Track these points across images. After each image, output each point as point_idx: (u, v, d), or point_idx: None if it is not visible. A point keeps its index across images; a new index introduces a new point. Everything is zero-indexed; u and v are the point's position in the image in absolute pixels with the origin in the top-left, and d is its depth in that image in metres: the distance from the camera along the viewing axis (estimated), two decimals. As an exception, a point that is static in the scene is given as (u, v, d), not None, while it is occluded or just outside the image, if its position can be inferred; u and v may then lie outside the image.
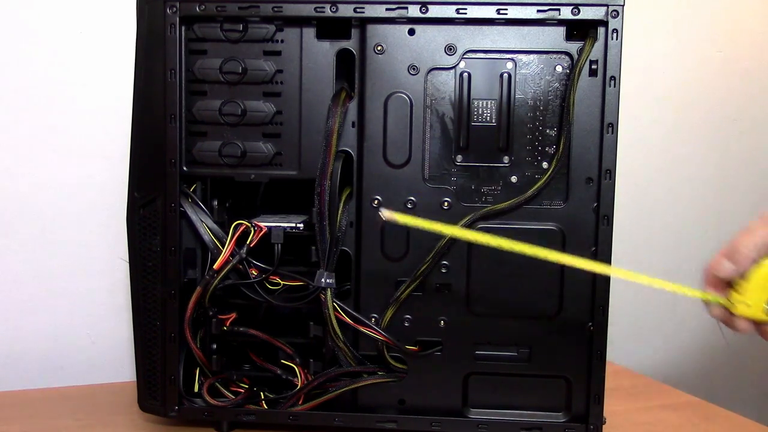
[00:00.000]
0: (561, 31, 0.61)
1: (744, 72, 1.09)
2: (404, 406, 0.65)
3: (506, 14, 0.60)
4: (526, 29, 0.61)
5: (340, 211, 0.63)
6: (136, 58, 0.64)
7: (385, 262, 0.64)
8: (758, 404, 1.13)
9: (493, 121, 0.62)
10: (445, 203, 0.63)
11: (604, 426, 0.64)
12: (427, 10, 0.61)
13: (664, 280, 0.53)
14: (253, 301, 0.65)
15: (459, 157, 0.63)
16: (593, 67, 0.61)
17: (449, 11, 0.60)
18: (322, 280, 0.62)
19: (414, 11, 0.61)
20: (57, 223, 0.86)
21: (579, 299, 0.63)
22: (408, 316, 0.64)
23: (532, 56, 0.62)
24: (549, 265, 0.62)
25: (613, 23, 0.60)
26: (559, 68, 0.62)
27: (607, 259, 0.62)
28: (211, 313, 0.66)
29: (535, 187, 0.62)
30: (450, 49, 0.62)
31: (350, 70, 0.63)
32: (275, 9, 0.61)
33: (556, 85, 0.62)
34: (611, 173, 0.61)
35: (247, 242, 0.63)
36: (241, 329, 0.66)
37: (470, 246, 0.63)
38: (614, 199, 0.61)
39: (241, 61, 0.63)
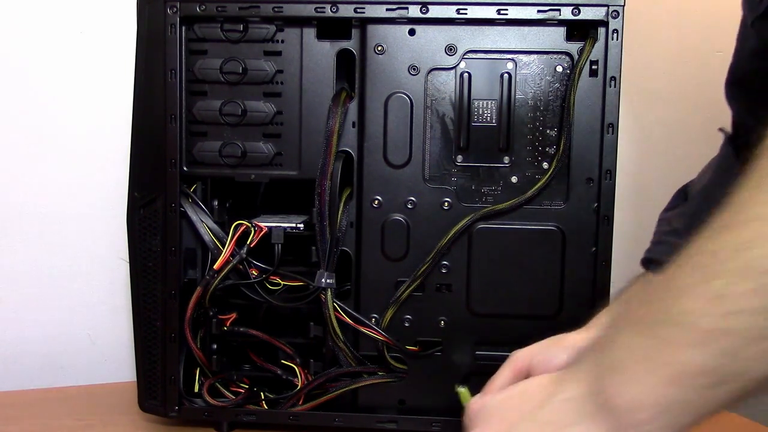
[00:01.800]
0: (561, 31, 0.61)
1: (744, 72, 1.09)
2: (404, 406, 0.65)
3: (506, 14, 0.60)
4: (526, 29, 0.61)
5: (340, 212, 0.63)
6: (137, 58, 0.64)
7: (385, 262, 0.64)
8: (756, 404, 1.13)
9: (494, 121, 0.62)
10: (446, 203, 0.63)
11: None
12: (427, 10, 0.61)
13: None
14: (253, 301, 0.65)
15: (459, 158, 0.63)
16: (593, 67, 0.61)
17: (450, 11, 0.60)
18: (323, 280, 0.62)
19: (414, 11, 0.61)
20: (57, 223, 0.86)
21: (579, 299, 0.63)
22: (408, 317, 0.64)
23: (532, 56, 0.62)
24: (549, 265, 0.63)
25: (613, 23, 0.60)
26: (559, 68, 0.62)
27: (607, 259, 0.62)
28: (211, 313, 0.66)
29: (536, 187, 0.62)
30: (450, 50, 0.62)
31: (350, 71, 0.63)
32: (275, 9, 0.61)
33: (557, 85, 0.62)
34: (611, 173, 0.61)
35: (248, 242, 0.63)
36: (242, 329, 0.66)
37: (470, 246, 0.63)
38: (614, 199, 0.61)
39: (241, 62, 0.63)
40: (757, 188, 0.34)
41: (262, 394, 0.67)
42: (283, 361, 0.67)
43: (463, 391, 0.61)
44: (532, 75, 0.62)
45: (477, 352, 0.64)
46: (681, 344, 0.36)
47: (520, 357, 0.53)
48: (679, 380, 0.36)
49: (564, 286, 0.63)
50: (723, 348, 0.34)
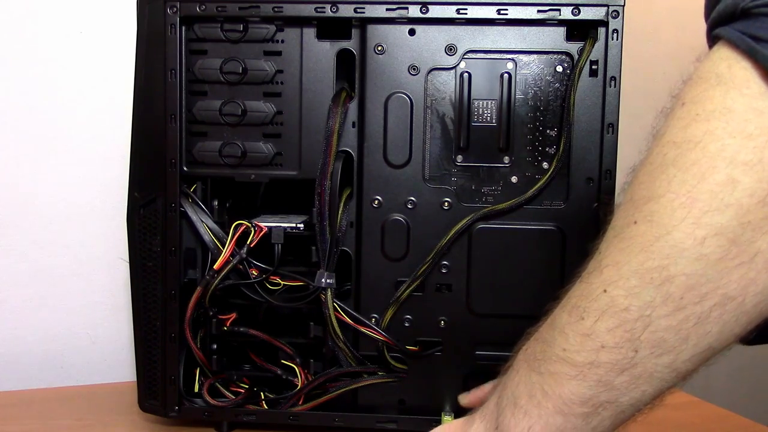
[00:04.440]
0: (561, 31, 0.61)
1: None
2: (404, 406, 0.65)
3: (507, 14, 0.60)
4: (526, 29, 0.61)
5: (340, 211, 0.63)
6: (137, 58, 0.64)
7: (385, 262, 0.64)
8: (754, 404, 1.13)
9: (494, 121, 0.62)
10: (446, 203, 0.63)
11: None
12: (427, 10, 0.61)
13: None
14: (253, 301, 0.65)
15: (459, 157, 0.63)
16: (593, 67, 0.61)
17: (450, 11, 0.60)
18: (323, 280, 0.62)
19: (414, 11, 0.61)
20: (57, 223, 0.86)
21: (579, 299, 0.63)
22: (408, 317, 0.64)
23: (532, 56, 0.62)
24: (549, 265, 0.62)
25: (613, 23, 0.60)
26: (559, 68, 0.62)
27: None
28: (211, 313, 0.66)
29: (536, 187, 0.62)
30: (450, 50, 0.62)
31: (350, 71, 0.63)
32: (275, 9, 0.61)
33: (557, 85, 0.62)
34: (611, 173, 0.61)
35: (248, 242, 0.63)
36: (242, 329, 0.66)
37: (470, 246, 0.63)
38: (614, 199, 0.61)
39: (241, 61, 0.63)
40: (612, 238, 0.40)
41: (262, 394, 0.67)
42: (283, 361, 0.67)
43: (447, 419, 0.62)
44: (532, 75, 0.62)
45: (477, 352, 0.64)
46: (563, 378, 0.40)
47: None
48: (563, 410, 0.41)
49: (564, 286, 0.63)
50: (597, 379, 0.39)
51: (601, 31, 0.60)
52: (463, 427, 0.49)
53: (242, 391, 0.67)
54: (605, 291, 0.39)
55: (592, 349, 0.39)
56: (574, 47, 0.61)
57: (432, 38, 0.62)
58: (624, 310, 0.38)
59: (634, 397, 0.40)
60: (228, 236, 0.64)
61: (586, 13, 0.60)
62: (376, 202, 0.63)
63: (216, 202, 0.66)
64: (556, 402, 0.41)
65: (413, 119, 0.62)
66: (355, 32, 0.63)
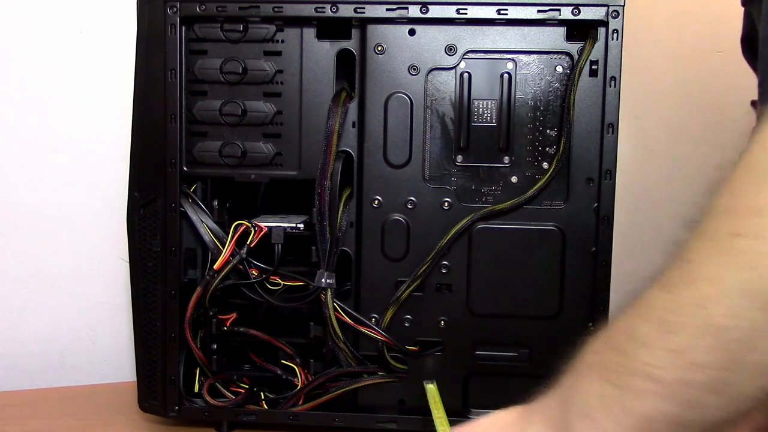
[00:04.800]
0: (561, 31, 0.61)
1: (744, 72, 1.09)
2: (404, 406, 0.65)
3: (507, 14, 0.60)
4: (526, 29, 0.61)
5: (340, 211, 0.63)
6: (137, 58, 0.64)
7: (385, 262, 0.64)
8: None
9: (494, 121, 0.62)
10: (446, 203, 0.63)
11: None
12: (427, 10, 0.61)
13: None
14: (253, 301, 0.65)
15: (459, 157, 0.63)
16: (593, 67, 0.61)
17: (450, 11, 0.60)
18: (323, 280, 0.62)
19: (414, 11, 0.61)
20: (57, 223, 0.86)
21: (579, 299, 0.63)
22: (408, 317, 0.64)
23: (532, 56, 0.62)
24: (549, 265, 0.63)
25: (613, 23, 0.60)
26: (559, 68, 0.62)
27: (607, 260, 0.62)
28: (211, 313, 0.66)
29: (536, 187, 0.62)
30: (450, 50, 0.62)
31: (350, 71, 0.63)
32: (275, 9, 0.61)
33: (557, 85, 0.62)
34: (611, 173, 0.61)
35: (248, 242, 0.63)
36: (242, 329, 0.66)
37: (470, 246, 0.63)
38: (614, 199, 0.61)
39: (241, 61, 0.63)
40: (708, 249, 0.37)
41: (262, 394, 0.67)
42: (283, 361, 0.67)
43: (431, 386, 0.62)
44: (532, 75, 0.62)
45: (477, 352, 0.64)
46: (646, 394, 0.37)
47: None
48: (643, 427, 0.38)
49: (564, 286, 0.63)
50: (686, 399, 0.36)
51: (601, 31, 0.60)
52: (519, 425, 0.46)
53: (242, 391, 0.67)
54: (702, 307, 0.36)
55: (682, 366, 0.36)
56: (574, 47, 0.61)
57: (432, 38, 0.62)
58: (723, 330, 0.35)
59: (720, 416, 0.37)
60: (228, 236, 0.64)
61: (586, 13, 0.60)
62: (376, 202, 0.63)
63: (216, 202, 0.66)
64: (637, 420, 0.38)
65: (413, 119, 0.62)
66: (355, 32, 0.63)
